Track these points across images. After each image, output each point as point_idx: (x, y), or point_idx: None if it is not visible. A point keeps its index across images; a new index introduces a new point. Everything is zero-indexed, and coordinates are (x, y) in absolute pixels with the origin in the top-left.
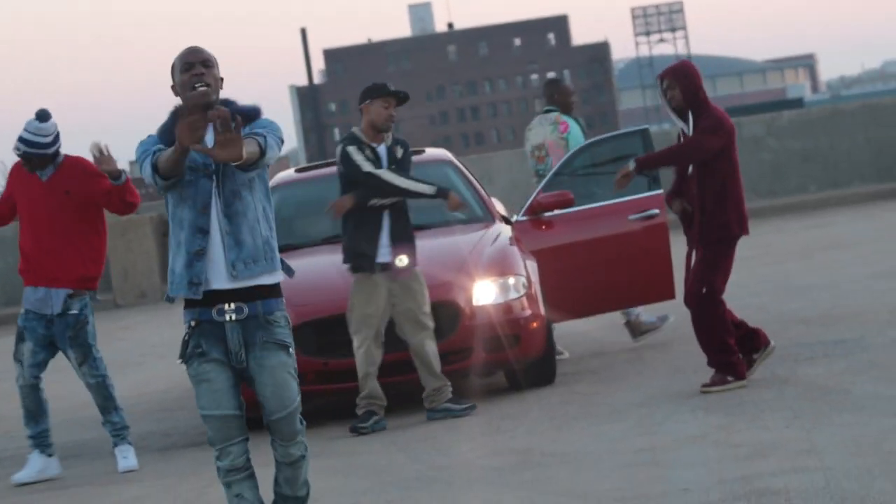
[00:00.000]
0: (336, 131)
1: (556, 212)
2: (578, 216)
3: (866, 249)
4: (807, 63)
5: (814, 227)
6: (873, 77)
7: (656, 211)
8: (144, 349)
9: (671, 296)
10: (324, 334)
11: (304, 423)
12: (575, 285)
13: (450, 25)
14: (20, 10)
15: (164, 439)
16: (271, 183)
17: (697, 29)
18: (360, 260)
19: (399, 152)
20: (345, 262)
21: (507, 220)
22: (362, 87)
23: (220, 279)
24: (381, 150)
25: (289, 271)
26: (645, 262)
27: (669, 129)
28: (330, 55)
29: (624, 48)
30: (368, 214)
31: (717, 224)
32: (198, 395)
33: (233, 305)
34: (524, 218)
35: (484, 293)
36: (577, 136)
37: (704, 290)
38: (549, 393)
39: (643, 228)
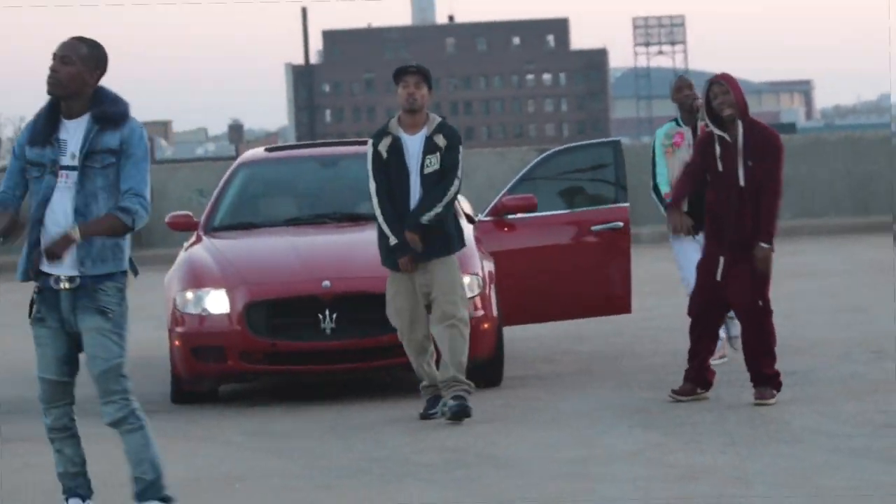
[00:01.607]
0: (327, 112)
1: (520, 215)
2: (541, 221)
3: (833, 282)
4: (803, 89)
5: (784, 254)
6: (868, 109)
7: (620, 224)
8: None
9: (627, 310)
10: (274, 315)
11: (127, 388)
12: (531, 290)
13: (450, 18)
14: None
15: None
16: (238, 160)
17: (697, 44)
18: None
19: (441, 142)
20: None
21: (470, 219)
22: (357, 69)
23: (65, 267)
24: (413, 139)
25: (135, 271)
26: (604, 275)
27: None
28: (328, 36)
29: (622, 57)
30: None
31: (773, 231)
32: (36, 357)
33: (64, 276)
34: (487, 218)
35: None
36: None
37: (761, 304)
38: (494, 395)
39: (605, 240)
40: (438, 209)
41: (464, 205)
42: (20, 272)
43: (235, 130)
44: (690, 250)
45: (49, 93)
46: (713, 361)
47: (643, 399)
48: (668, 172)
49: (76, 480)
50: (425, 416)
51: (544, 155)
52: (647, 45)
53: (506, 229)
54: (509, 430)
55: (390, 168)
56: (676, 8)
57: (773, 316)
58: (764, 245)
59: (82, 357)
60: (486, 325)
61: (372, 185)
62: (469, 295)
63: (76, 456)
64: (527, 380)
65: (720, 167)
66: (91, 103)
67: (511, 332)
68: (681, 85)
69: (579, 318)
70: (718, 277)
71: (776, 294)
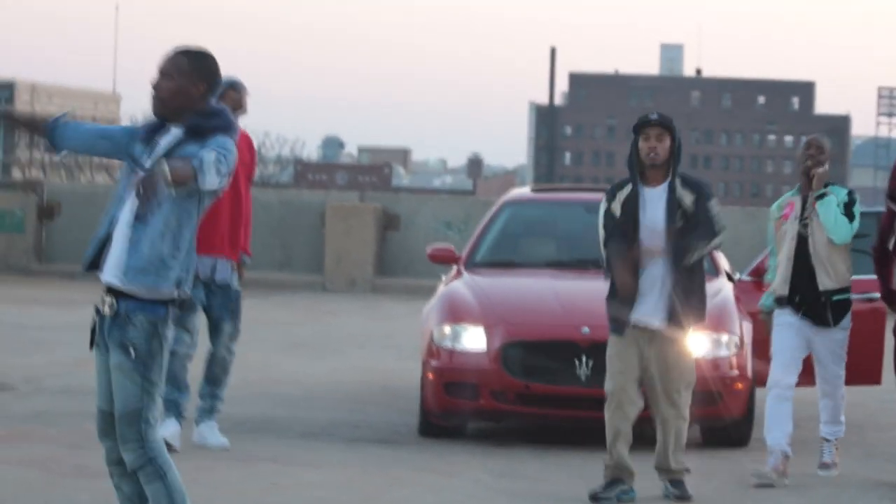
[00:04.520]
0: (567, 155)
1: None
2: None
3: None
4: None
5: None
6: None
7: (878, 295)
8: (347, 337)
9: (877, 381)
10: (530, 357)
11: (145, 436)
12: None
13: (698, 71)
14: None
15: (353, 431)
16: (505, 197)
17: None
18: (612, 321)
19: (688, 199)
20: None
21: (729, 277)
22: (601, 114)
23: (110, 275)
24: (653, 193)
25: (184, 297)
26: (859, 344)
27: None
28: (575, 79)
29: (864, 125)
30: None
31: None
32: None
33: (108, 299)
34: (748, 278)
35: (694, 346)
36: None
37: None
38: (742, 455)
39: (862, 310)
40: (702, 249)
41: (723, 262)
42: (84, 262)
43: (474, 164)
44: (787, 335)
45: (153, 111)
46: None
47: (888, 472)
48: (776, 260)
49: None
50: (595, 497)
51: None
52: (890, 115)
53: (765, 290)
54: (756, 494)
55: (623, 223)
56: None
57: None
58: None
59: None
60: (740, 386)
61: (601, 234)
62: (726, 353)
63: (135, 495)
64: None
65: (892, 243)
66: (194, 114)
67: (760, 394)
68: (809, 142)
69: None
70: None
71: None
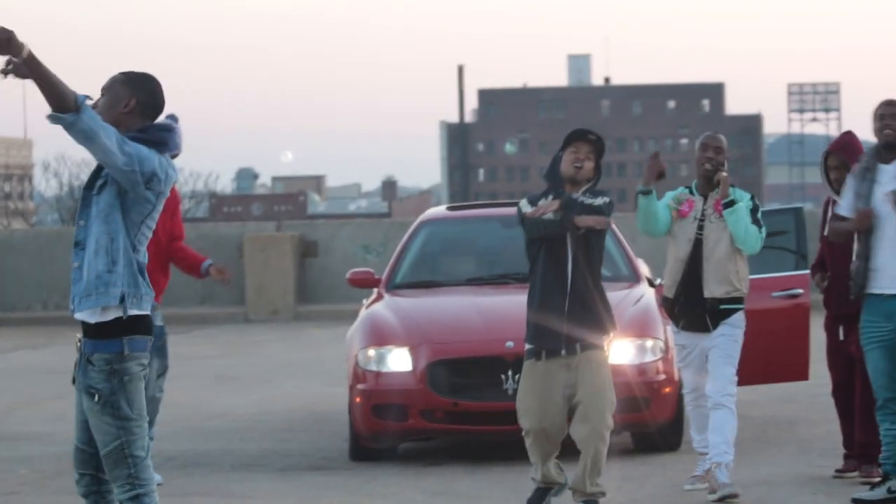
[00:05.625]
0: (481, 172)
1: None
2: None
3: None
4: None
5: None
6: None
7: (801, 291)
8: (273, 367)
9: (804, 377)
10: (456, 374)
11: (134, 472)
12: None
13: (606, 80)
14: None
15: (285, 460)
16: (421, 217)
17: (851, 111)
18: (543, 340)
19: (598, 202)
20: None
21: (651, 283)
22: (512, 129)
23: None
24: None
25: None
26: (783, 341)
27: (814, 208)
28: (484, 95)
29: (776, 123)
30: (555, 284)
31: None
32: None
33: (78, 336)
34: None
35: (620, 352)
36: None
37: None
38: (674, 459)
39: (785, 307)
40: (589, 201)
41: (643, 268)
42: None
43: (389, 187)
44: (685, 353)
45: None
46: (687, 487)
47: (822, 466)
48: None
49: None
50: None
51: None
52: (801, 111)
53: None
54: (692, 495)
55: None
56: (832, 75)
57: None
58: None
59: None
60: (667, 390)
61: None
62: (651, 358)
63: None
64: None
65: (826, 231)
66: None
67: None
68: (705, 143)
69: (757, 384)
70: (841, 336)
71: None
